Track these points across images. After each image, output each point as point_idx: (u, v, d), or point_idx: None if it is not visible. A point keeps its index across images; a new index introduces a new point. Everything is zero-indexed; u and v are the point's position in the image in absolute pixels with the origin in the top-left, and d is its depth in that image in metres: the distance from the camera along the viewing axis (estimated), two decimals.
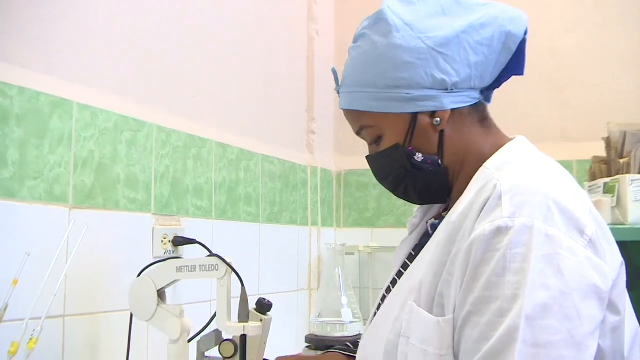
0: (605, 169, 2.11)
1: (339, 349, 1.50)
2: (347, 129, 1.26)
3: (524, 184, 1.03)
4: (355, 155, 2.77)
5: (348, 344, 1.42)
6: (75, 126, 1.55)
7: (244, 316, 1.39)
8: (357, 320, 2.37)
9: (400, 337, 1.08)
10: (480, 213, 1.03)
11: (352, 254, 2.74)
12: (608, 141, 2.11)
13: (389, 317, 1.13)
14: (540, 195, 1.01)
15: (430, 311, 1.06)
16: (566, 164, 1.16)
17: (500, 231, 0.98)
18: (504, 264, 0.96)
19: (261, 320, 1.48)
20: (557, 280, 0.95)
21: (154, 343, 1.72)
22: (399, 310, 1.10)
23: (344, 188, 2.93)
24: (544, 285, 0.94)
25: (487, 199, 1.03)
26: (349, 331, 2.33)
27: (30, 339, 1.27)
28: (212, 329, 1.68)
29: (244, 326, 1.38)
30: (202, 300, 1.92)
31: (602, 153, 2.14)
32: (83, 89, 1.59)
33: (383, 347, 1.10)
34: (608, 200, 1.95)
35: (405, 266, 1.26)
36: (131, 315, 1.53)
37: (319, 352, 1.73)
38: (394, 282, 1.26)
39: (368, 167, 1.26)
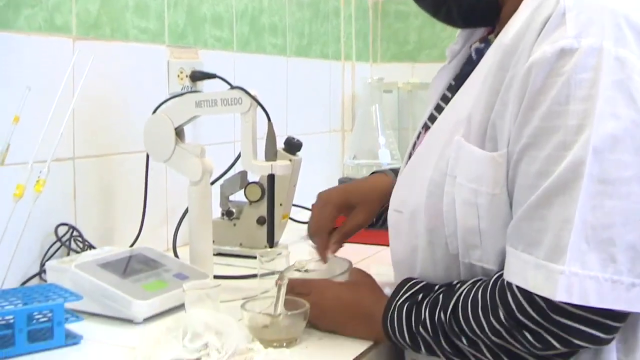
0: None
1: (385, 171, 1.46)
2: None
3: None
4: None
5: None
6: None
7: (271, 154, 1.35)
8: (396, 162, 2.35)
9: (447, 177, 1.04)
10: (539, 33, 0.96)
11: (390, 91, 2.70)
12: None
13: (430, 156, 1.08)
14: (609, 11, 0.94)
15: (482, 147, 1.01)
16: None
17: (564, 53, 0.91)
18: (567, 90, 0.90)
19: (290, 160, 1.44)
20: (629, 109, 0.90)
21: (173, 186, 1.72)
22: (443, 147, 1.06)
23: (381, 18, 2.85)
24: (614, 114, 0.89)
25: (548, 17, 0.95)
26: None
27: (37, 181, 1.24)
28: (237, 172, 1.67)
29: (271, 165, 1.34)
30: (224, 141, 1.90)
31: None
32: None
33: (425, 188, 1.06)
34: None
35: (445, 99, 1.20)
36: (147, 156, 1.51)
37: None
38: (432, 118, 1.20)
39: None
